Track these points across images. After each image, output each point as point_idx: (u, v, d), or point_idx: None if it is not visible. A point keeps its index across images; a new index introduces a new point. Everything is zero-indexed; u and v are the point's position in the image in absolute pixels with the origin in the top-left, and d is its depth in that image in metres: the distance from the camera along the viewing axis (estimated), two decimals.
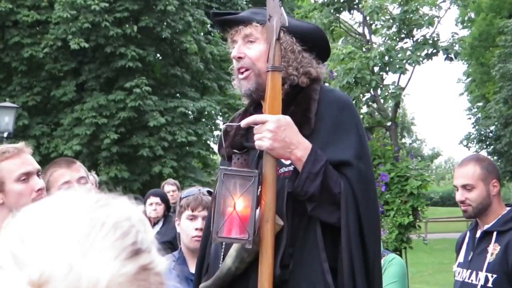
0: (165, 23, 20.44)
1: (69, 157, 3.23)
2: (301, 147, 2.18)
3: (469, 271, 3.22)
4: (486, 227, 3.22)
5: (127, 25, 19.83)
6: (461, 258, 3.37)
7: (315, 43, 2.39)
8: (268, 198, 2.16)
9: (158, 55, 21.86)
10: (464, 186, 3.24)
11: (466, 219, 3.38)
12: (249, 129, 2.29)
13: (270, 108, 2.23)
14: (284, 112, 2.28)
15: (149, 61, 20.55)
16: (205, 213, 3.22)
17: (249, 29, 2.34)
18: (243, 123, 2.23)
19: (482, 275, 3.11)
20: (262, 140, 2.17)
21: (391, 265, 3.65)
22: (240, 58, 2.35)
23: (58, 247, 0.77)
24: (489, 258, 3.13)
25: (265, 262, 2.15)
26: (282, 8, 2.25)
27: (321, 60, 2.43)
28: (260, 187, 2.18)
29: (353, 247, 2.16)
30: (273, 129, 2.15)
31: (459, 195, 3.27)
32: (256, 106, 2.46)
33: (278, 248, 2.20)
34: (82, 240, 0.78)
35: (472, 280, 3.18)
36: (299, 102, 2.33)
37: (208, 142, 22.88)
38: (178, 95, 21.64)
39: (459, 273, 3.32)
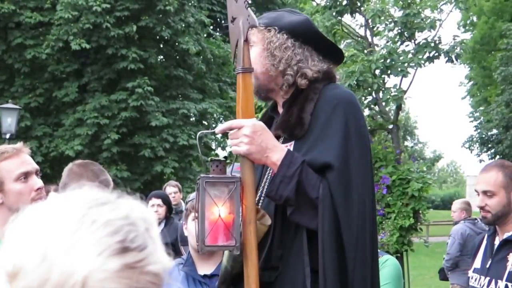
0: (164, 24, 20.44)
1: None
2: (277, 151, 2.16)
3: (488, 278, 3.16)
4: (506, 235, 3.16)
5: (127, 25, 19.84)
6: (477, 264, 3.31)
7: (307, 36, 2.32)
8: (249, 201, 2.16)
9: (161, 56, 21.89)
10: (485, 192, 3.18)
11: (485, 225, 3.32)
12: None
13: (244, 111, 2.21)
14: (285, 113, 2.31)
15: (151, 62, 20.58)
16: None
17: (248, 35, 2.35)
18: (218, 129, 2.23)
19: (502, 284, 3.06)
20: (238, 145, 2.17)
21: (384, 266, 3.62)
22: None
23: (36, 241, 0.79)
24: (510, 267, 3.07)
25: (251, 264, 2.15)
26: (249, 9, 2.22)
27: (324, 55, 2.35)
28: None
29: (326, 253, 2.09)
30: (250, 134, 2.14)
31: (479, 201, 3.21)
32: (273, 107, 2.48)
33: (263, 248, 2.20)
34: (69, 235, 0.79)
35: None
36: (298, 102, 2.31)
37: (210, 145, 22.91)
38: (180, 97, 21.67)
39: (476, 279, 3.26)
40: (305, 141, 2.23)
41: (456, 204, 8.37)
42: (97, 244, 0.79)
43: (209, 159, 2.22)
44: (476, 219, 8.13)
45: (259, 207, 2.30)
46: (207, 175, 2.17)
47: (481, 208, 3.20)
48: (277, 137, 2.33)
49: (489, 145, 26.26)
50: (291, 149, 2.27)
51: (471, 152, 27.45)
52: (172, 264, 3.19)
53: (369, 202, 2.19)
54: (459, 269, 7.83)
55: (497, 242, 3.23)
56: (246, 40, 2.21)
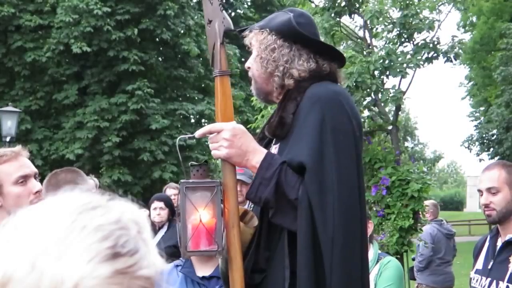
0: (164, 27, 20.49)
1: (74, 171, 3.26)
2: (257, 154, 2.16)
3: (489, 279, 3.16)
4: (509, 236, 3.16)
5: (128, 28, 19.88)
6: (479, 265, 3.31)
7: (292, 35, 2.27)
8: (231, 205, 2.16)
9: (160, 58, 21.92)
10: (489, 189, 3.17)
11: (490, 223, 3.32)
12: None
13: (223, 114, 2.22)
14: (274, 115, 2.32)
15: (151, 64, 20.61)
16: None
17: (247, 39, 2.37)
18: (198, 133, 2.24)
19: (503, 285, 3.06)
20: (218, 149, 2.17)
21: (386, 268, 3.66)
22: (249, 68, 2.39)
23: (26, 248, 0.79)
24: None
25: (235, 268, 2.15)
26: (224, 11, 2.23)
27: (318, 54, 2.29)
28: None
29: (302, 255, 2.06)
30: (229, 138, 2.14)
31: (483, 199, 3.20)
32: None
33: (250, 250, 2.21)
34: (59, 242, 0.79)
35: None
36: (284, 102, 2.30)
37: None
38: (180, 98, 21.69)
39: (477, 280, 3.26)
40: (288, 141, 2.22)
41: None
42: (88, 251, 0.79)
43: (189, 164, 2.21)
44: (442, 220, 8.50)
45: (251, 209, 2.31)
46: (187, 180, 2.18)
47: (486, 206, 3.19)
48: (271, 139, 2.34)
49: (489, 146, 26.24)
50: (277, 149, 2.27)
51: (470, 152, 27.44)
52: (170, 266, 3.17)
53: (349, 201, 2.10)
54: (428, 270, 8.19)
55: (499, 243, 3.23)
56: (223, 43, 2.22)
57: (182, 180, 2.19)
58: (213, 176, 2.32)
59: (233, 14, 25.72)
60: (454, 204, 55.57)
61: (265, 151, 2.17)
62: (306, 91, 2.23)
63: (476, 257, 3.39)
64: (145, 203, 8.44)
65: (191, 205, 2.14)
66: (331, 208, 2.05)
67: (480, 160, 26.67)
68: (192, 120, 21.72)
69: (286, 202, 2.10)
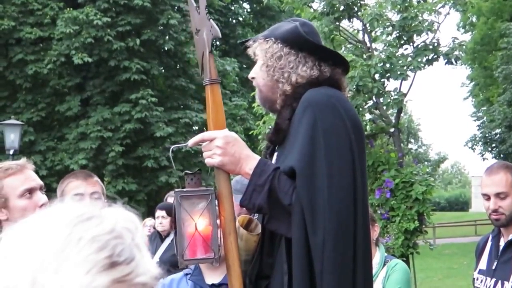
0: (167, 36, 20.57)
1: (88, 171, 3.26)
2: (250, 161, 2.16)
3: (494, 279, 3.16)
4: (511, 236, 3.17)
5: (129, 39, 19.94)
6: (482, 265, 3.31)
7: (298, 42, 2.27)
8: (227, 212, 2.17)
9: (161, 67, 21.97)
10: (498, 194, 3.16)
11: (497, 227, 3.30)
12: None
13: (214, 122, 2.23)
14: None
15: (153, 74, 20.65)
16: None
17: (250, 49, 2.37)
18: (191, 142, 2.25)
19: (508, 285, 3.07)
20: (212, 157, 2.18)
21: (394, 271, 3.66)
22: (253, 78, 2.39)
23: (25, 264, 0.81)
24: None
25: (234, 274, 2.16)
26: (211, 20, 2.25)
27: (323, 60, 2.28)
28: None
29: (295, 260, 2.05)
30: (222, 145, 2.15)
31: (492, 204, 3.18)
32: None
33: (253, 257, 2.22)
34: (56, 256, 0.81)
35: None
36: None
37: None
38: (181, 107, 21.72)
39: (481, 280, 3.26)
40: (284, 148, 2.23)
41: None
42: (85, 262, 0.81)
43: (183, 173, 2.23)
44: None
45: (255, 217, 2.31)
46: (182, 190, 2.19)
47: (494, 211, 3.17)
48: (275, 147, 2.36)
49: (493, 145, 26.23)
50: (276, 156, 2.28)
51: (474, 151, 27.45)
52: (180, 275, 3.17)
53: (342, 204, 2.05)
54: None
55: (502, 243, 3.23)
56: (211, 52, 2.24)
57: (176, 190, 2.20)
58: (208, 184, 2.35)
59: (234, 21, 25.76)
60: (460, 204, 55.49)
61: (258, 157, 2.18)
62: (304, 95, 2.21)
63: (478, 257, 3.40)
64: (150, 210, 8.41)
65: (187, 214, 2.15)
66: (322, 212, 2.03)
67: (484, 159, 26.69)
68: (196, 127, 21.73)
69: (280, 208, 2.09)
